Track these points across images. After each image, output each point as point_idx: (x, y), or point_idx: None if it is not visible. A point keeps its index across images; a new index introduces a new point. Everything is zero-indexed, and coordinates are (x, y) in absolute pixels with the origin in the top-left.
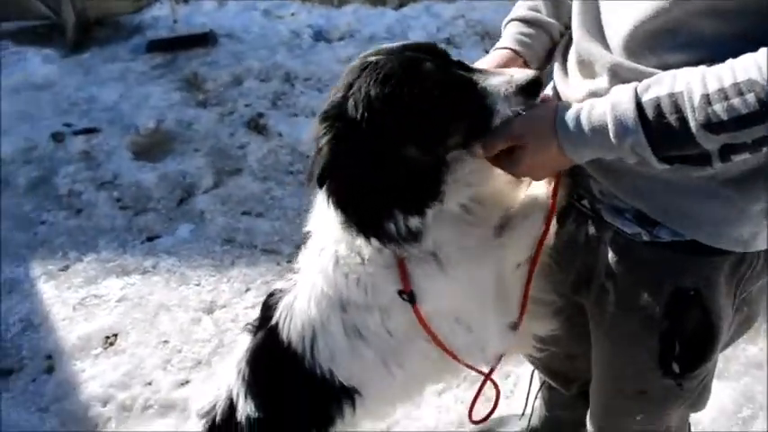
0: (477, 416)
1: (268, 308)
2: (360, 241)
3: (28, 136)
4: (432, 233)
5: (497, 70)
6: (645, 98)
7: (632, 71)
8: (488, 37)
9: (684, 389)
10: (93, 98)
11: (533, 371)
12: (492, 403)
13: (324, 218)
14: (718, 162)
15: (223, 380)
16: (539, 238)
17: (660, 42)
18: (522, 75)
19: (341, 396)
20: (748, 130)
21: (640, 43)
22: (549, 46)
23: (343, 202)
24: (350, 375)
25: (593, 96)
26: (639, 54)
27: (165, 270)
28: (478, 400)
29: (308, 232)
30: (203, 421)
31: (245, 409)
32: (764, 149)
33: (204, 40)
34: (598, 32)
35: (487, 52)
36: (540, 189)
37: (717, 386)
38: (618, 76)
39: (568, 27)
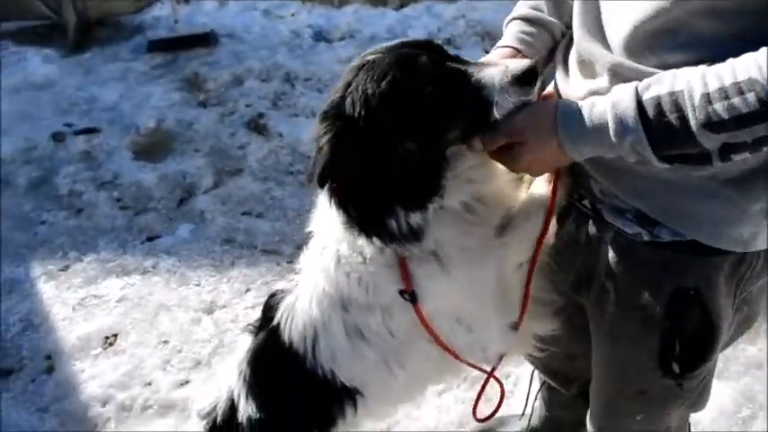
0: (480, 414)
1: (269, 308)
2: (361, 241)
3: (28, 136)
4: (433, 232)
5: (493, 62)
6: (645, 97)
7: (633, 71)
8: (489, 37)
9: (684, 389)
10: (93, 98)
11: (533, 371)
12: (493, 402)
13: (325, 218)
14: (719, 161)
15: (224, 380)
16: (539, 238)
17: (660, 42)
18: (518, 64)
19: (342, 396)
20: (748, 130)
21: (640, 43)
22: (550, 45)
23: (344, 201)
24: (351, 376)
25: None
26: (640, 54)
27: (165, 270)
28: (479, 400)
29: (310, 232)
30: (204, 422)
31: (246, 409)
32: (765, 149)
33: (205, 40)
34: (598, 32)
35: (488, 52)
36: (541, 189)
37: (716, 386)
38: (618, 75)
39: (569, 27)
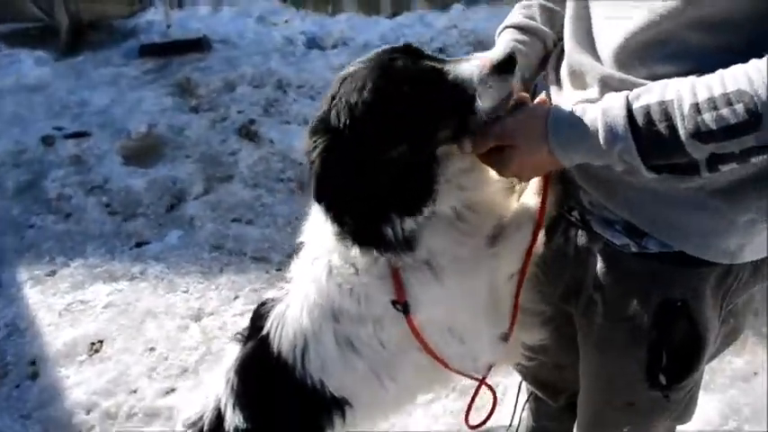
0: (471, 422)
1: (258, 317)
2: (354, 252)
3: (18, 139)
4: (426, 241)
5: (469, 57)
6: (636, 105)
7: (622, 82)
8: (481, 46)
9: (671, 400)
10: (84, 102)
11: (521, 381)
12: (484, 410)
13: (317, 228)
14: (706, 172)
15: (211, 389)
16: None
17: (650, 54)
18: (495, 54)
19: (331, 407)
20: (737, 140)
21: (630, 55)
22: (542, 54)
23: (338, 213)
24: (341, 386)
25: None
26: (629, 65)
27: (153, 276)
28: (471, 408)
29: (301, 242)
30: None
31: (233, 419)
32: (752, 160)
33: (198, 45)
34: (589, 44)
35: None
36: (531, 200)
37: (702, 399)
38: (608, 86)
39: (562, 38)
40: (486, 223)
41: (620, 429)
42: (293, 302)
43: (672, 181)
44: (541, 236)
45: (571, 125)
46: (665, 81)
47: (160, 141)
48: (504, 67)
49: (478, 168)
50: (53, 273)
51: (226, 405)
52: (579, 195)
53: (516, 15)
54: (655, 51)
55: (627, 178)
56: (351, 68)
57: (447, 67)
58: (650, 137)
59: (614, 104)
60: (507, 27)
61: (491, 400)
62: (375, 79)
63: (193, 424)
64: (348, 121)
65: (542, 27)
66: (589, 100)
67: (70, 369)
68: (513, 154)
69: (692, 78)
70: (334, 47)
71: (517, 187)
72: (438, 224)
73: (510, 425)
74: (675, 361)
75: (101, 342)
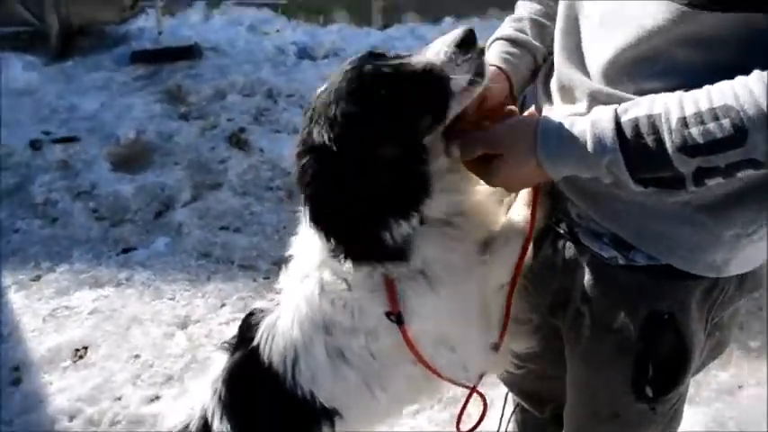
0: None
1: (247, 327)
2: (347, 267)
3: (5, 142)
4: (420, 249)
5: (429, 46)
6: (624, 118)
7: (611, 97)
8: None
9: (657, 413)
10: (73, 107)
11: (507, 393)
12: (470, 421)
13: (306, 243)
14: (692, 186)
15: (197, 398)
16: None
17: (638, 70)
18: (453, 34)
19: (321, 417)
20: (723, 155)
21: (619, 70)
22: (532, 67)
23: (334, 231)
24: (331, 397)
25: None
26: (618, 81)
27: (140, 283)
28: (456, 415)
29: (290, 255)
30: None
31: (220, 429)
32: (738, 175)
33: (189, 52)
34: (578, 59)
35: None
36: (520, 213)
37: (688, 412)
38: (597, 101)
39: (552, 52)
40: (478, 229)
41: None
42: (284, 314)
43: (659, 195)
44: (530, 247)
45: (560, 136)
46: (653, 95)
47: (149, 148)
48: (466, 41)
49: (468, 173)
50: (38, 278)
51: (213, 414)
52: (567, 207)
53: (507, 28)
54: (643, 67)
55: (614, 191)
56: (321, 89)
57: (413, 60)
58: (638, 149)
59: (603, 117)
60: (497, 39)
61: (480, 409)
62: (348, 87)
63: None
64: (332, 135)
65: (532, 41)
66: (578, 114)
67: (54, 375)
68: (500, 164)
69: (679, 93)
70: (325, 57)
71: (506, 199)
72: (430, 230)
73: None
74: (662, 373)
75: (85, 348)
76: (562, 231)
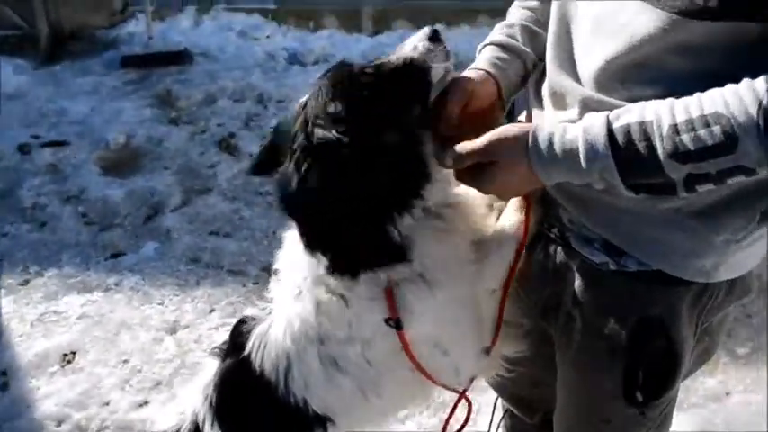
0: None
1: (239, 334)
2: (345, 281)
3: None
4: (419, 248)
5: (401, 47)
6: (616, 125)
7: (602, 104)
8: (462, 67)
9: (647, 417)
10: (63, 111)
11: (497, 398)
12: (461, 423)
13: (297, 260)
14: (684, 192)
15: (187, 403)
16: (511, 265)
17: (630, 77)
18: (422, 32)
19: (313, 424)
20: (713, 161)
21: (610, 77)
22: (522, 73)
23: (333, 242)
24: (325, 404)
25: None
26: (610, 88)
27: (129, 288)
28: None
29: (278, 269)
30: None
31: None
32: (728, 181)
33: (179, 57)
34: (570, 66)
35: None
36: (512, 218)
37: (676, 418)
38: (588, 108)
39: (542, 59)
40: (464, 223)
41: None
42: (276, 326)
43: (650, 201)
44: (523, 253)
45: (552, 143)
46: (645, 102)
47: (139, 152)
48: (434, 37)
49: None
50: (26, 282)
51: (204, 420)
52: (559, 213)
53: (497, 34)
54: (634, 75)
55: (606, 197)
56: (305, 97)
57: (392, 58)
58: (630, 156)
59: (595, 123)
60: (488, 44)
61: (468, 414)
62: (336, 88)
63: None
64: (339, 129)
65: (522, 47)
66: (569, 120)
67: (42, 380)
68: (493, 171)
69: (670, 100)
70: (316, 63)
71: (496, 205)
72: (424, 224)
73: None
74: (652, 378)
75: (73, 353)
76: (554, 236)
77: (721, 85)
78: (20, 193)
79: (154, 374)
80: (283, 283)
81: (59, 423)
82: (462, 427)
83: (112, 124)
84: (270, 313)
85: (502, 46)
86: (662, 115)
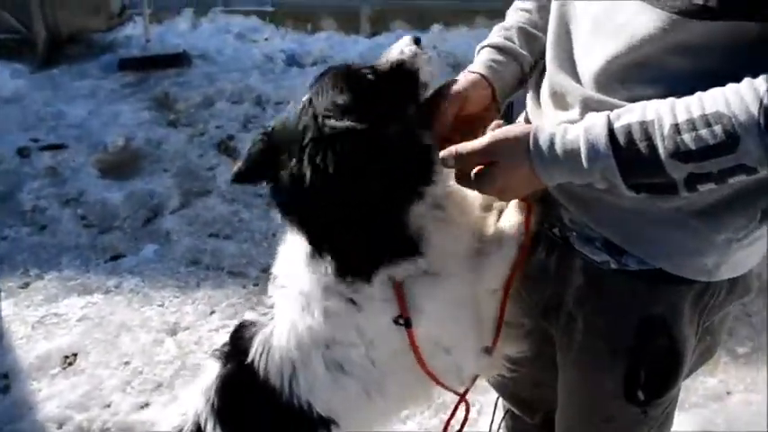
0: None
1: (240, 338)
2: (357, 284)
3: None
4: (430, 241)
5: (387, 52)
6: (617, 125)
7: (602, 104)
8: (460, 68)
9: (649, 416)
10: (61, 114)
11: (498, 399)
12: (460, 423)
13: (301, 270)
14: (685, 191)
15: (188, 405)
16: (513, 265)
17: (630, 77)
18: (405, 38)
19: (317, 427)
20: (715, 161)
21: (611, 77)
22: (518, 76)
23: (345, 244)
24: (329, 407)
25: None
26: (610, 88)
27: (129, 290)
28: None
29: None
30: None
31: None
32: (730, 180)
33: (177, 60)
34: (570, 67)
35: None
36: (513, 218)
37: (676, 418)
38: (589, 108)
39: (538, 61)
40: (460, 213)
41: None
42: (279, 331)
43: (651, 200)
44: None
45: (553, 144)
46: (646, 102)
47: (137, 155)
48: (417, 41)
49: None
50: (27, 285)
51: (206, 422)
52: (560, 212)
53: (494, 36)
54: (634, 74)
55: (607, 197)
56: (305, 97)
57: (384, 61)
58: (631, 156)
59: (596, 123)
60: (485, 46)
61: (470, 415)
62: (340, 83)
63: None
64: (345, 123)
65: (519, 49)
66: (570, 121)
67: (43, 382)
68: (494, 172)
69: (671, 100)
70: (314, 65)
71: (496, 205)
72: (433, 218)
73: None
74: (654, 377)
75: (74, 355)
76: (554, 236)
77: (721, 84)
78: (19, 197)
79: (155, 376)
80: (286, 293)
81: (61, 425)
82: (462, 427)
83: (111, 127)
84: (272, 319)
85: (498, 48)
86: (663, 115)
